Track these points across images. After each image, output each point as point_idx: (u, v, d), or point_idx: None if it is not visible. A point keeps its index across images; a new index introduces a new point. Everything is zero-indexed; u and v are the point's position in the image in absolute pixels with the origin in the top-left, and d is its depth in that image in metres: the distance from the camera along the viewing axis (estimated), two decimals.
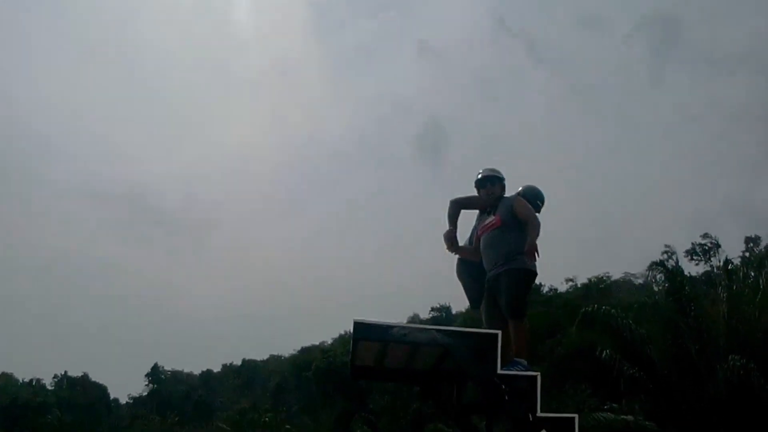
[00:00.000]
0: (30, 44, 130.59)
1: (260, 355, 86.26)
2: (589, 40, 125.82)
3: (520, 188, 6.73)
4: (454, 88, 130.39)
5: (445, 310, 70.89)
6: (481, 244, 6.47)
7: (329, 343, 65.81)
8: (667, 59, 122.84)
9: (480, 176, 6.60)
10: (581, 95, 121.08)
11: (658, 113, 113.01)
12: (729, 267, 18.06)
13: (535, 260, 6.19)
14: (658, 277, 18.03)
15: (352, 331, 5.86)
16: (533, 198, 6.64)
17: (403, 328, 5.94)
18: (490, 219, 6.45)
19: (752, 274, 17.42)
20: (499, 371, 5.53)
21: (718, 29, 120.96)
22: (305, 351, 68.31)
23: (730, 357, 14.56)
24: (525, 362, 5.88)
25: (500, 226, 6.33)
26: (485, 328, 6.18)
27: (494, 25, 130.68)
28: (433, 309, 71.77)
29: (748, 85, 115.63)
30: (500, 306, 6.19)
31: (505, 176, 6.65)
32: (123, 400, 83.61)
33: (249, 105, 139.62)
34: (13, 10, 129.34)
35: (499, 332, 5.68)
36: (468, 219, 6.78)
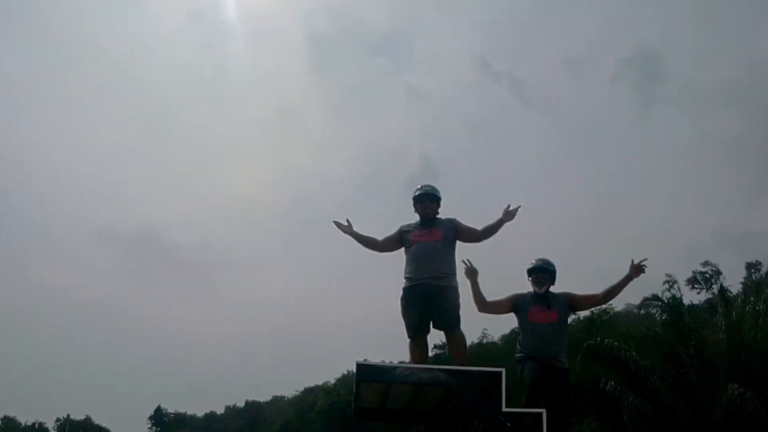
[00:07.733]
0: (36, 85, 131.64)
1: (263, 396, 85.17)
2: (574, 80, 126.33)
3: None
4: (444, 131, 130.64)
5: (446, 347, 70.33)
6: (414, 250, 6.54)
7: (332, 383, 65.22)
8: (654, 96, 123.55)
9: (418, 192, 6.68)
10: (570, 135, 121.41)
11: (648, 149, 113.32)
12: (725, 295, 18.04)
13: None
14: (652, 310, 18.09)
15: (355, 371, 5.88)
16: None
17: (407, 368, 5.95)
18: (432, 231, 6.53)
19: (752, 299, 17.50)
20: (504, 409, 5.54)
21: (701, 64, 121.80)
22: (309, 392, 67.55)
23: (729, 386, 14.58)
24: None
25: (441, 240, 6.48)
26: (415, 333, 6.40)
27: (480, 69, 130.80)
28: (435, 346, 71.23)
29: (737, 118, 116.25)
30: (435, 317, 6.36)
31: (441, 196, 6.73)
32: None
33: (254, 146, 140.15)
34: (18, 53, 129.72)
35: (503, 369, 5.68)
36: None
